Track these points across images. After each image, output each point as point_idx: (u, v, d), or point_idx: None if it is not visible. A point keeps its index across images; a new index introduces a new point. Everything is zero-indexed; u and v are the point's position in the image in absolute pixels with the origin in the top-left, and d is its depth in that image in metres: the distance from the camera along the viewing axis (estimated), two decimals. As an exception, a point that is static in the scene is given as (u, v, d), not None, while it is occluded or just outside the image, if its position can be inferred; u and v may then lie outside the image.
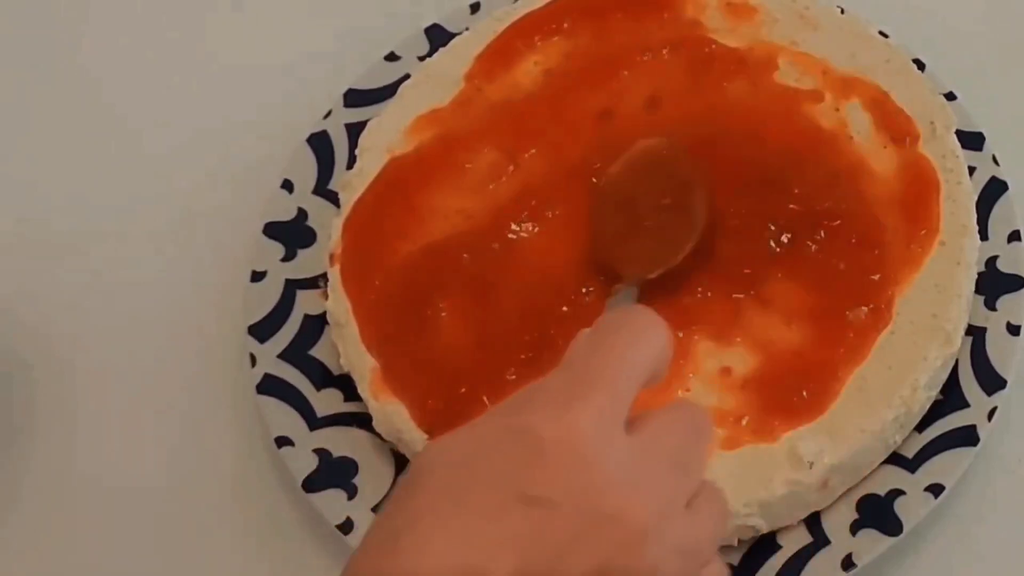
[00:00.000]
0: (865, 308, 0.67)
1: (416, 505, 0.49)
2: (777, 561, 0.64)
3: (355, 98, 0.79)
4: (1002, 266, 0.70)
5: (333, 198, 0.76)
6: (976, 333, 0.69)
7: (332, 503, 0.68)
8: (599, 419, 0.49)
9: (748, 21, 0.76)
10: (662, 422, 0.51)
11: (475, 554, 0.47)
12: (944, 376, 0.67)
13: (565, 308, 0.68)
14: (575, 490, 0.48)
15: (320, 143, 0.78)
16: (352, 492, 0.68)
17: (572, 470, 0.48)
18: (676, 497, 0.50)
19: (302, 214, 0.76)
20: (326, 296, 0.72)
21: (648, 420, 0.51)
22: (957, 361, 0.68)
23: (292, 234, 0.76)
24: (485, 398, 0.66)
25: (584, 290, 0.68)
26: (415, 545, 0.47)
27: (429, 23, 0.81)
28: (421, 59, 0.79)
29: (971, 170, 0.71)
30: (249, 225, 0.77)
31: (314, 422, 0.70)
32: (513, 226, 0.70)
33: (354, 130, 0.77)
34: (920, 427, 0.67)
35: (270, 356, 0.72)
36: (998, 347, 0.68)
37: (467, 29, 0.79)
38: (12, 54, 0.88)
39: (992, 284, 0.70)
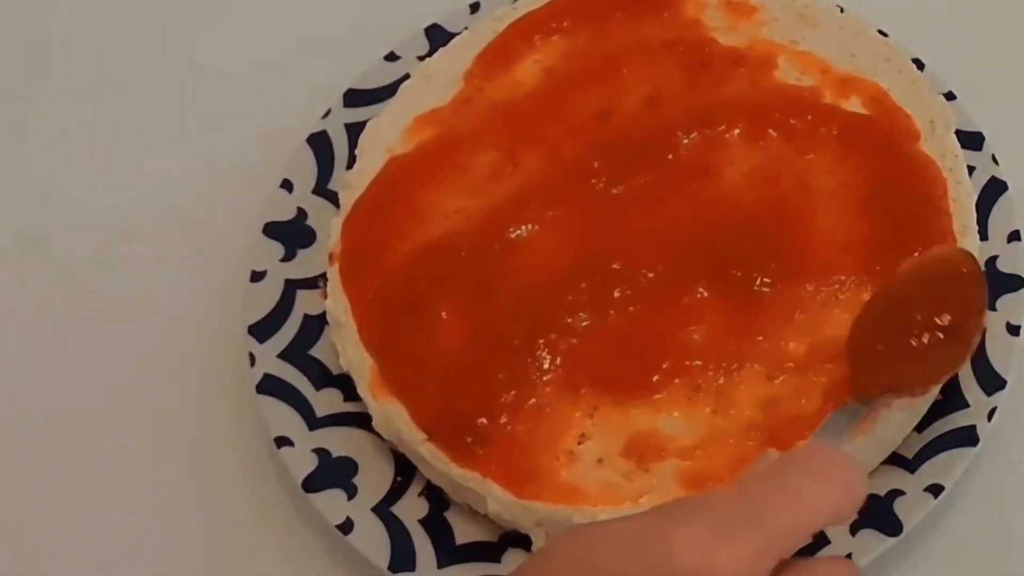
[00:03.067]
0: None
1: None
2: (777, 561, 0.64)
3: (355, 98, 0.79)
4: (1002, 266, 0.70)
5: (333, 198, 0.76)
6: (976, 333, 0.69)
7: (332, 503, 0.68)
8: (742, 566, 0.46)
9: (748, 20, 0.76)
10: None
11: None
12: (944, 376, 0.67)
13: (564, 308, 0.68)
14: None
15: (320, 143, 0.78)
16: (352, 492, 0.68)
17: None
18: None
19: (302, 214, 0.76)
20: (326, 296, 0.72)
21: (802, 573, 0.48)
22: (957, 361, 0.68)
23: (292, 234, 0.76)
24: (484, 398, 0.66)
25: (583, 285, 0.68)
26: None
27: (429, 23, 0.81)
28: (421, 59, 0.79)
29: (971, 170, 0.71)
30: (249, 225, 0.77)
31: (314, 422, 0.70)
32: (512, 226, 0.70)
33: (354, 130, 0.77)
34: (920, 427, 0.67)
35: (270, 356, 0.72)
36: (998, 347, 0.68)
37: (467, 29, 0.79)
38: (12, 53, 0.88)
39: (992, 284, 0.69)
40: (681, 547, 0.46)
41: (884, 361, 0.62)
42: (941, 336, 0.61)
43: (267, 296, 0.74)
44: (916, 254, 0.66)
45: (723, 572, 0.46)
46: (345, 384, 0.70)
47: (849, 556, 0.64)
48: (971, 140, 0.73)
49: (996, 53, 0.80)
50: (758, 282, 0.68)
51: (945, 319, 0.61)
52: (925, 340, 0.61)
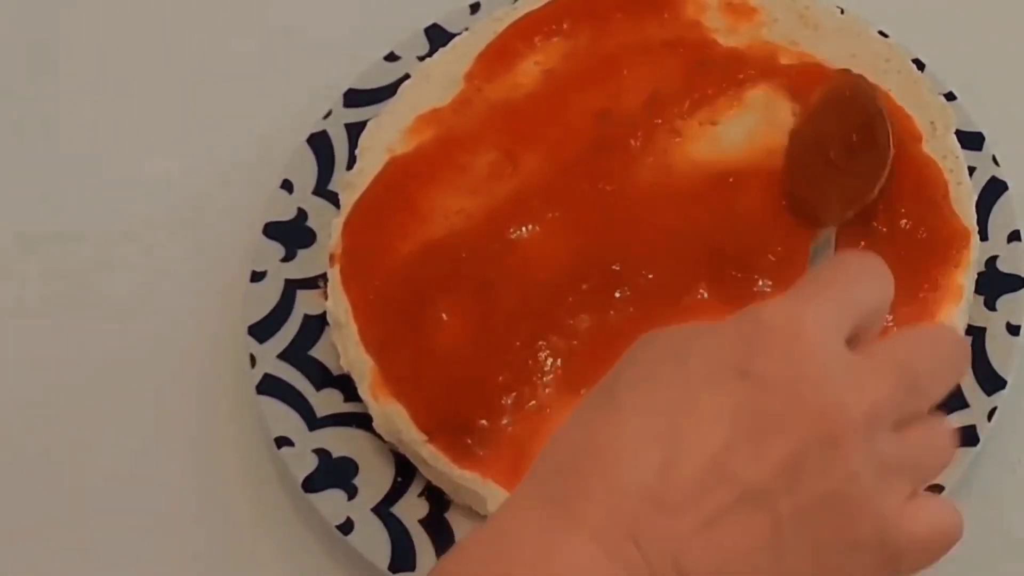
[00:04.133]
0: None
1: (638, 369, 0.50)
2: (777, 561, 0.64)
3: (355, 98, 0.79)
4: (1002, 266, 0.70)
5: (333, 198, 0.76)
6: (976, 333, 0.69)
7: (332, 503, 0.68)
8: (824, 318, 0.49)
9: (748, 21, 0.76)
10: (902, 336, 0.52)
11: (686, 418, 0.48)
12: (944, 376, 0.67)
13: (564, 309, 0.68)
14: (790, 374, 0.48)
15: (320, 143, 0.78)
16: (352, 492, 0.68)
17: (791, 355, 0.48)
18: (891, 411, 0.50)
19: (302, 214, 0.76)
20: (326, 296, 0.72)
21: (888, 336, 0.52)
22: (957, 361, 0.68)
23: (292, 234, 0.76)
24: (485, 399, 0.66)
25: (584, 286, 0.68)
26: (633, 404, 0.49)
27: (429, 23, 0.81)
28: (421, 59, 0.79)
29: (971, 170, 0.72)
30: (249, 225, 0.77)
31: (314, 422, 0.70)
32: (512, 227, 0.70)
33: (354, 130, 0.77)
34: (920, 427, 0.67)
35: (270, 356, 0.72)
36: (998, 347, 0.68)
37: (467, 29, 0.79)
38: (12, 54, 0.88)
39: (992, 284, 0.70)
40: (765, 309, 0.50)
41: (820, 182, 0.69)
42: (859, 151, 0.69)
43: (267, 296, 0.74)
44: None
45: (808, 321, 0.49)
46: (345, 384, 0.70)
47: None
48: (971, 140, 0.73)
49: (996, 53, 0.80)
50: (758, 283, 0.68)
51: (855, 137, 0.69)
52: (848, 158, 0.69)
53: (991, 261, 0.71)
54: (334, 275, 0.71)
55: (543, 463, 0.50)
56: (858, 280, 0.52)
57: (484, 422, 0.66)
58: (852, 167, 0.69)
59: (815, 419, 0.48)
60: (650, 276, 0.68)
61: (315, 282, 0.74)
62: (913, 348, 0.51)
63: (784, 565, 0.48)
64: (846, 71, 0.72)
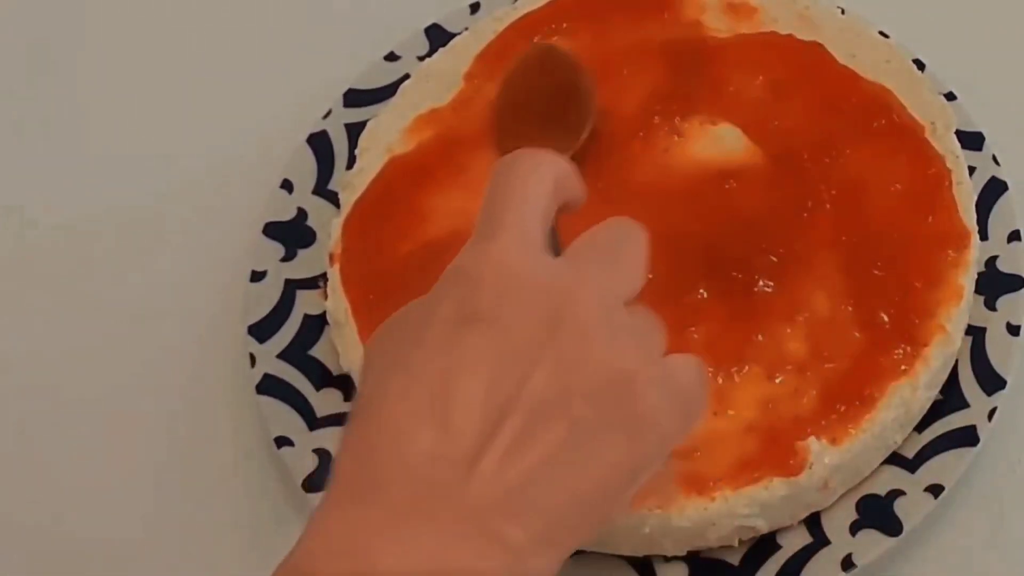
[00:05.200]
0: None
1: (382, 363, 0.51)
2: (777, 561, 0.64)
3: (355, 98, 0.79)
4: (1002, 266, 0.70)
5: (333, 198, 0.76)
6: (976, 333, 0.69)
7: (332, 503, 0.67)
8: (520, 241, 0.52)
9: (748, 21, 0.76)
10: (587, 233, 0.55)
11: (441, 380, 0.49)
12: (944, 376, 0.67)
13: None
14: (519, 301, 0.51)
15: (320, 143, 0.78)
16: (352, 492, 0.68)
17: (512, 287, 0.51)
18: (610, 287, 0.53)
19: (302, 214, 0.76)
20: (326, 296, 0.72)
21: (579, 238, 0.54)
22: (957, 361, 0.68)
23: (292, 234, 0.76)
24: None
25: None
26: (387, 395, 0.50)
27: (429, 23, 0.81)
28: (421, 59, 0.79)
29: (971, 170, 0.71)
30: (249, 225, 0.77)
31: (314, 422, 0.70)
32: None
33: (354, 130, 0.77)
34: (920, 427, 0.67)
35: (270, 356, 0.72)
36: (998, 347, 0.68)
37: (467, 29, 0.79)
38: (12, 54, 0.88)
39: (992, 284, 0.70)
40: (465, 261, 0.52)
41: (530, 137, 0.69)
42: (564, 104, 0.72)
43: (267, 296, 0.74)
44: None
45: (508, 250, 0.52)
46: (345, 384, 0.70)
47: (849, 556, 0.64)
48: (971, 140, 0.73)
49: (996, 53, 0.80)
50: (759, 283, 0.68)
51: (559, 93, 0.72)
52: (554, 112, 0.72)
53: (991, 261, 0.71)
54: (334, 275, 0.71)
55: (333, 478, 0.51)
56: (527, 184, 0.54)
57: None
58: (559, 119, 0.72)
59: (552, 323, 0.50)
60: (650, 276, 0.68)
61: (315, 282, 0.74)
62: (601, 237, 0.55)
63: (595, 451, 0.50)
64: (537, 44, 0.75)
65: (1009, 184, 0.72)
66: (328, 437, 0.70)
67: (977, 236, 0.69)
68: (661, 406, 0.52)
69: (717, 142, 0.72)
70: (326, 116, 0.79)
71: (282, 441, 0.69)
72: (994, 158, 0.73)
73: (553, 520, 0.49)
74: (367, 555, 0.48)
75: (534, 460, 0.49)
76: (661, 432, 0.52)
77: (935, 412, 0.67)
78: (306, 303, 0.74)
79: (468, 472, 0.48)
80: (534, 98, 0.73)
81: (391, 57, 0.80)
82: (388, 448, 0.49)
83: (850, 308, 0.67)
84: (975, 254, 0.69)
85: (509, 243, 0.52)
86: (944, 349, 0.66)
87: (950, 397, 0.68)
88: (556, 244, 0.56)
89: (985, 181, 0.72)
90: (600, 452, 0.50)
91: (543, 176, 0.55)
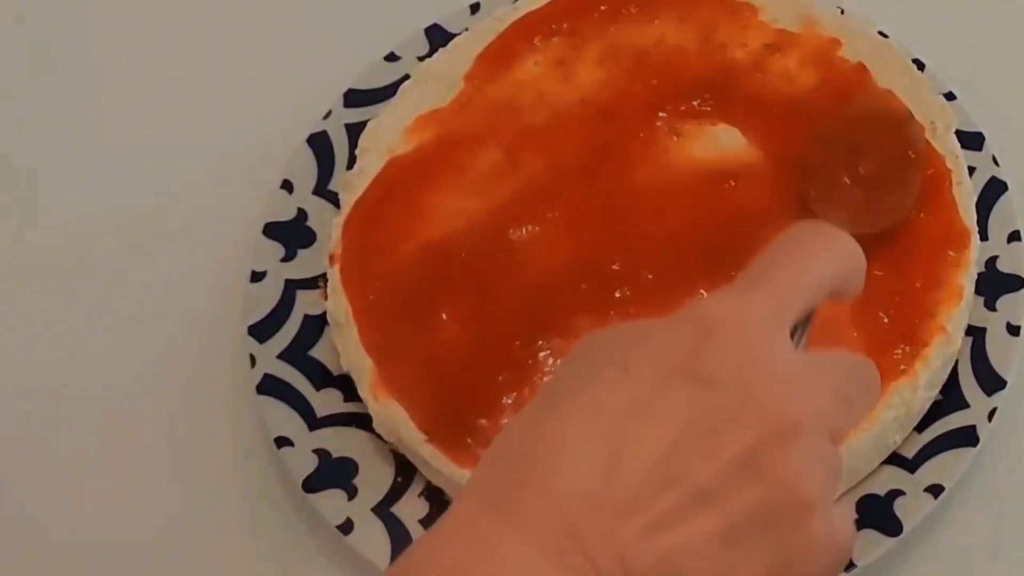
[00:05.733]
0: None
1: (581, 371, 0.49)
2: (777, 561, 0.64)
3: (355, 98, 0.79)
4: (1002, 266, 0.70)
5: (333, 198, 0.76)
6: (976, 333, 0.69)
7: (332, 503, 0.68)
8: (770, 313, 0.49)
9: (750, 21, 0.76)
10: (835, 355, 0.52)
11: (631, 420, 0.47)
12: (944, 376, 0.67)
13: (564, 309, 0.68)
14: (740, 373, 0.48)
15: (320, 143, 0.78)
16: (352, 492, 0.68)
17: (740, 353, 0.48)
18: (830, 419, 0.50)
19: (302, 214, 0.76)
20: (326, 296, 0.72)
21: (821, 350, 0.52)
22: (957, 361, 0.68)
23: (292, 234, 0.76)
24: (485, 399, 0.66)
25: (583, 286, 0.68)
26: (576, 407, 0.48)
27: (429, 23, 0.81)
28: (421, 59, 0.79)
29: (971, 170, 0.71)
30: (249, 225, 0.77)
31: (314, 422, 0.70)
32: (513, 227, 0.70)
33: (354, 130, 0.77)
34: (920, 427, 0.67)
35: (270, 356, 0.72)
36: (998, 347, 0.68)
37: (467, 29, 0.79)
38: (11, 52, 0.88)
39: (992, 284, 0.70)
40: (711, 307, 0.49)
41: (836, 194, 0.68)
42: (885, 180, 0.68)
43: (267, 296, 0.74)
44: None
45: (755, 318, 0.49)
46: (345, 384, 0.70)
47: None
48: (971, 140, 0.73)
49: (996, 53, 0.80)
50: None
51: (885, 165, 0.68)
52: (872, 180, 0.68)
53: (991, 261, 0.71)
54: (334, 275, 0.71)
55: (484, 469, 0.49)
56: (811, 261, 0.52)
57: (484, 422, 0.66)
58: (873, 192, 0.68)
59: (765, 417, 0.48)
60: (650, 276, 0.68)
61: (315, 282, 0.74)
62: (844, 369, 0.51)
63: (738, 563, 0.48)
64: (891, 95, 0.71)
65: (1009, 184, 0.72)
66: (328, 437, 0.70)
67: (977, 236, 0.69)
68: (819, 548, 0.49)
69: (717, 142, 0.72)
70: (326, 116, 0.79)
71: (282, 441, 0.69)
72: (994, 158, 0.73)
73: None
74: (486, 569, 0.46)
75: (678, 543, 0.47)
76: (804, 572, 0.50)
77: (935, 412, 0.67)
78: (306, 303, 0.73)
79: (616, 525, 0.47)
80: (869, 156, 0.69)
81: (391, 57, 0.80)
82: (548, 465, 0.47)
83: (850, 308, 0.67)
84: (975, 254, 0.69)
85: (759, 305, 0.50)
86: (944, 349, 0.66)
87: (950, 397, 0.68)
88: (805, 333, 0.53)
89: (985, 181, 0.72)
90: (741, 571, 0.48)
91: (834, 261, 0.52)
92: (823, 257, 0.52)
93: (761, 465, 0.48)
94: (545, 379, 0.66)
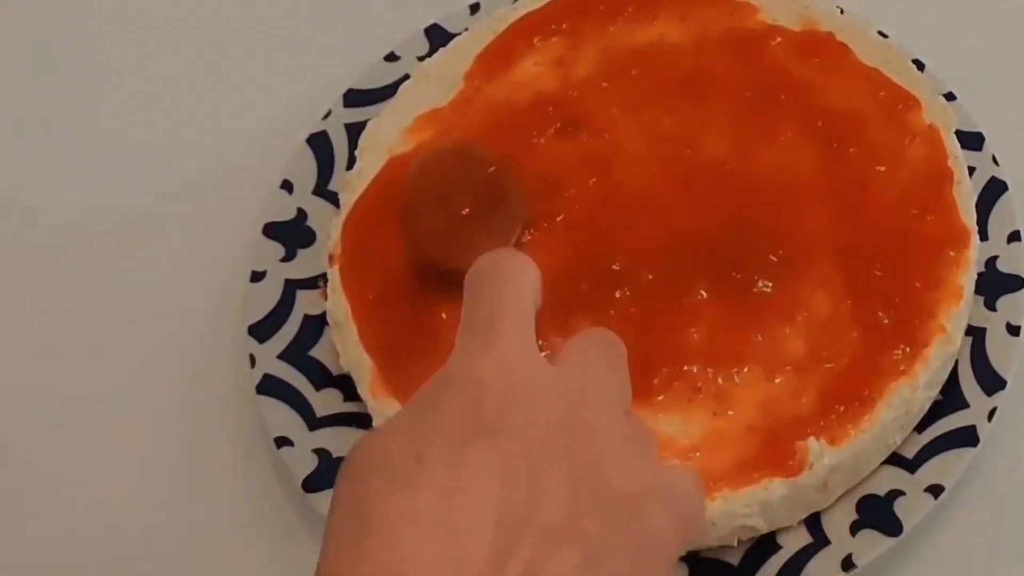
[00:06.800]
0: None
1: (376, 473, 0.48)
2: (777, 561, 0.64)
3: (355, 98, 0.79)
4: (1002, 266, 0.70)
5: (333, 198, 0.76)
6: (976, 333, 0.69)
7: (332, 503, 0.67)
8: (520, 345, 0.51)
9: (748, 21, 0.76)
10: (581, 342, 0.53)
11: (456, 499, 0.47)
12: (944, 376, 0.67)
13: (564, 309, 0.67)
14: (527, 410, 0.49)
15: (320, 143, 0.78)
16: (352, 492, 0.68)
17: (520, 394, 0.49)
18: (618, 399, 0.52)
19: (302, 214, 0.76)
20: (326, 296, 0.72)
21: (566, 345, 0.53)
22: (957, 361, 0.68)
23: (292, 234, 0.76)
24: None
25: (583, 286, 0.68)
26: (393, 516, 0.47)
27: (429, 23, 0.81)
28: (421, 59, 0.79)
29: (971, 170, 0.71)
30: (249, 225, 0.77)
31: (314, 422, 0.70)
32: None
33: (354, 130, 0.77)
34: (920, 427, 0.67)
35: (270, 356, 0.72)
36: (998, 347, 0.68)
37: (467, 29, 0.79)
38: (11, 52, 0.88)
39: (992, 284, 0.70)
40: (470, 365, 0.50)
41: (459, 242, 0.68)
42: (488, 208, 0.69)
43: (267, 296, 0.74)
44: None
45: (514, 354, 0.50)
46: (345, 384, 0.70)
47: (849, 556, 0.64)
48: (971, 140, 0.73)
49: (996, 53, 0.80)
50: (758, 283, 0.68)
51: (481, 195, 0.69)
52: (477, 213, 0.69)
53: (991, 261, 0.70)
54: (334, 275, 0.71)
55: None
56: (517, 285, 0.53)
57: (484, 422, 0.66)
58: (483, 221, 0.69)
59: (568, 436, 0.49)
60: (650, 276, 0.68)
61: (315, 282, 0.74)
62: (593, 338, 0.53)
63: (606, 574, 0.48)
64: (453, 141, 0.73)
65: (1009, 184, 0.72)
66: (328, 437, 0.70)
67: (977, 236, 0.69)
68: (667, 525, 0.50)
69: (716, 142, 0.72)
70: (326, 116, 0.79)
71: (282, 441, 0.69)
72: (994, 158, 0.73)
73: None
74: None
75: None
76: (669, 551, 0.50)
77: (935, 412, 0.67)
78: (306, 303, 0.74)
79: None
80: (451, 196, 0.70)
81: (391, 57, 0.80)
82: (397, 573, 0.46)
83: (849, 308, 0.67)
84: (975, 254, 0.69)
85: (509, 347, 0.50)
86: (944, 349, 0.66)
87: (950, 397, 0.68)
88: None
89: (985, 181, 0.72)
90: None
91: (529, 278, 0.54)
92: (522, 278, 0.53)
93: (585, 482, 0.48)
94: None
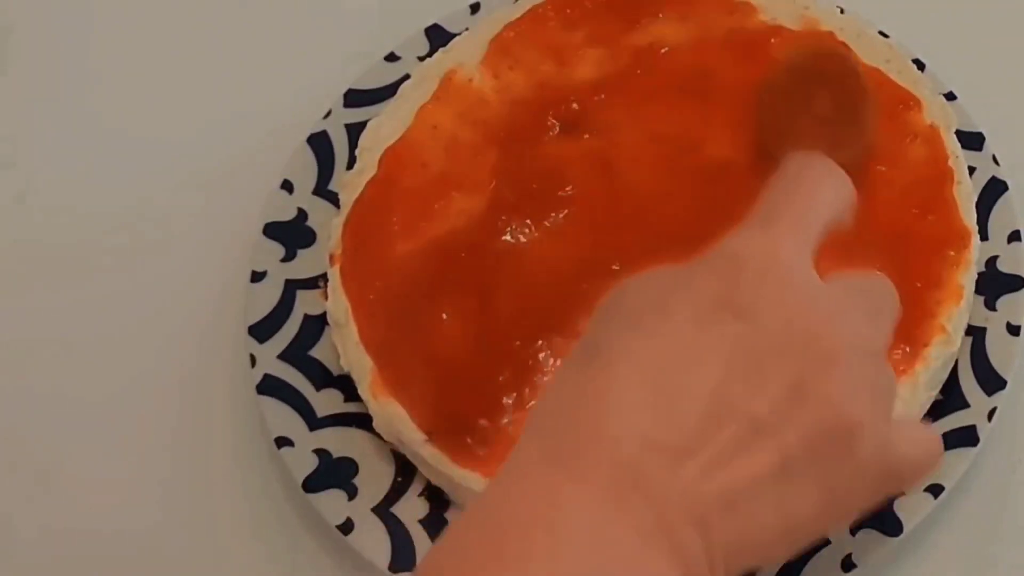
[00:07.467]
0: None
1: (619, 320, 0.50)
2: (777, 561, 0.64)
3: (355, 98, 0.79)
4: (1002, 266, 0.70)
5: (333, 198, 0.76)
6: (976, 333, 0.69)
7: (332, 503, 0.68)
8: (794, 240, 0.50)
9: (748, 21, 0.76)
10: (858, 277, 0.53)
11: (678, 362, 0.48)
12: (944, 376, 0.67)
13: (565, 309, 0.68)
14: (777, 304, 0.49)
15: (320, 143, 0.78)
16: (352, 492, 0.68)
17: (774, 285, 0.49)
18: (869, 341, 0.51)
19: (302, 214, 0.76)
20: (326, 296, 0.72)
21: (843, 274, 0.52)
22: (957, 361, 0.68)
23: (292, 234, 0.76)
24: (485, 399, 0.66)
25: (584, 286, 0.68)
26: (621, 357, 0.48)
27: (429, 23, 0.81)
28: (421, 59, 0.79)
29: (971, 170, 0.72)
30: (249, 225, 0.77)
31: (314, 422, 0.70)
32: (514, 226, 0.70)
33: (354, 130, 0.77)
34: (920, 427, 0.67)
35: (270, 356, 0.72)
36: (998, 347, 0.68)
37: (467, 29, 0.79)
38: (11, 52, 0.88)
39: (992, 284, 0.70)
40: (739, 243, 0.50)
41: (803, 137, 0.66)
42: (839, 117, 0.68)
43: (267, 296, 0.74)
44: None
45: (783, 247, 0.50)
46: (345, 384, 0.70)
47: (849, 556, 0.64)
48: (971, 140, 0.73)
49: (996, 53, 0.80)
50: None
51: (836, 105, 0.68)
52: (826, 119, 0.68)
53: (991, 261, 0.71)
54: (334, 275, 0.71)
55: (535, 426, 0.49)
56: (817, 190, 0.53)
57: (484, 422, 0.66)
58: (830, 128, 0.68)
59: (808, 346, 0.49)
60: None
61: (315, 282, 0.74)
62: (869, 289, 0.53)
63: (792, 494, 0.48)
64: (826, 35, 0.73)
65: (1009, 184, 0.72)
66: (328, 437, 0.70)
67: (977, 236, 0.69)
68: (871, 475, 0.50)
69: (716, 141, 0.72)
70: (326, 116, 0.79)
71: (282, 441, 0.69)
72: (994, 158, 0.73)
73: (733, 547, 0.47)
74: (550, 525, 0.46)
75: (739, 479, 0.47)
76: (857, 502, 0.50)
77: (935, 412, 0.67)
78: (306, 303, 0.73)
79: (675, 466, 0.47)
80: (819, 96, 0.69)
81: (391, 57, 0.80)
82: (601, 413, 0.47)
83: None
84: (975, 254, 0.69)
85: (783, 237, 0.51)
86: (944, 349, 0.67)
87: (950, 397, 0.68)
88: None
89: (985, 181, 0.72)
90: (795, 502, 0.48)
91: (836, 186, 0.53)
92: (825, 187, 0.53)
93: (807, 393, 0.48)
94: (546, 379, 0.66)
